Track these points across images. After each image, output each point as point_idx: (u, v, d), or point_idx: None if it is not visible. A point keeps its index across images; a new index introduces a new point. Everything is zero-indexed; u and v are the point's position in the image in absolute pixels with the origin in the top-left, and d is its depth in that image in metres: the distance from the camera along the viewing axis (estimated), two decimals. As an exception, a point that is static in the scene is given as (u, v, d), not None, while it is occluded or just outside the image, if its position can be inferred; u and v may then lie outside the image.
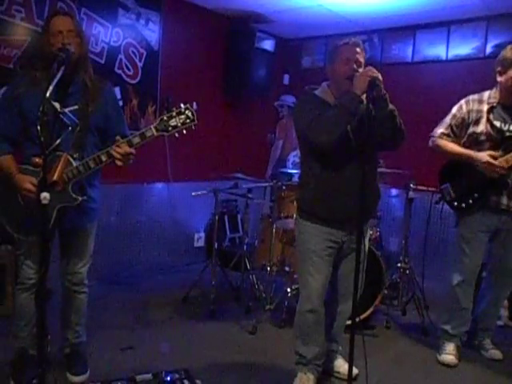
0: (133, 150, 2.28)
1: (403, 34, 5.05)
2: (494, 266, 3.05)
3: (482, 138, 2.87)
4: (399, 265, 3.82)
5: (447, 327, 3.03)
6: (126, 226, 4.45)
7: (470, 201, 2.93)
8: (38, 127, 1.84)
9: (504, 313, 3.62)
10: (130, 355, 2.91)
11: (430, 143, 3.05)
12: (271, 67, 5.34)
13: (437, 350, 3.06)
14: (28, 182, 2.25)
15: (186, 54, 4.83)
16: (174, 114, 2.25)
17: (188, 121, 2.25)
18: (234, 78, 5.15)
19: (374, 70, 2.25)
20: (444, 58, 4.83)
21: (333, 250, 2.55)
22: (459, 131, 2.97)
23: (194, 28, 4.87)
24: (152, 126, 2.26)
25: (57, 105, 2.27)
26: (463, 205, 2.97)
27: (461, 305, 2.98)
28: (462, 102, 2.99)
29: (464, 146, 2.95)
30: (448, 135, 2.99)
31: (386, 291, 3.64)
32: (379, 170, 3.82)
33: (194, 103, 5.03)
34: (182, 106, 2.26)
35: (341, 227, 2.50)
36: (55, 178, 2.20)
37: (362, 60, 2.40)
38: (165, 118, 2.25)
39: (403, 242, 3.82)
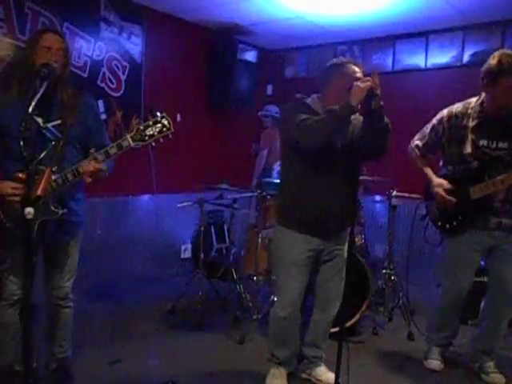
0: (101, 166, 2.25)
1: (383, 44, 5.15)
2: (493, 286, 2.79)
3: (470, 158, 2.68)
4: (384, 271, 3.87)
5: (434, 336, 3.02)
6: (112, 238, 4.43)
7: (454, 223, 2.73)
8: (21, 142, 1.84)
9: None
10: (118, 369, 2.89)
11: (409, 151, 2.99)
12: (254, 78, 5.38)
13: (423, 354, 3.07)
14: (9, 188, 2.19)
15: (169, 66, 4.86)
16: (151, 123, 2.24)
17: (164, 129, 2.24)
18: (218, 89, 5.18)
19: (375, 81, 2.21)
20: (423, 66, 4.93)
21: (310, 258, 2.57)
22: (435, 146, 2.84)
23: (176, 40, 4.91)
24: (128, 136, 2.23)
25: (39, 120, 2.26)
26: (447, 226, 2.77)
27: (450, 320, 2.93)
28: (445, 113, 2.78)
29: (451, 162, 2.79)
30: (421, 149, 2.89)
31: (372, 297, 3.67)
32: (361, 177, 3.90)
33: (178, 115, 5.04)
34: (158, 114, 2.25)
35: (319, 234, 2.54)
36: (39, 192, 2.18)
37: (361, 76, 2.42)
38: (141, 127, 2.24)
39: (388, 248, 3.86)
